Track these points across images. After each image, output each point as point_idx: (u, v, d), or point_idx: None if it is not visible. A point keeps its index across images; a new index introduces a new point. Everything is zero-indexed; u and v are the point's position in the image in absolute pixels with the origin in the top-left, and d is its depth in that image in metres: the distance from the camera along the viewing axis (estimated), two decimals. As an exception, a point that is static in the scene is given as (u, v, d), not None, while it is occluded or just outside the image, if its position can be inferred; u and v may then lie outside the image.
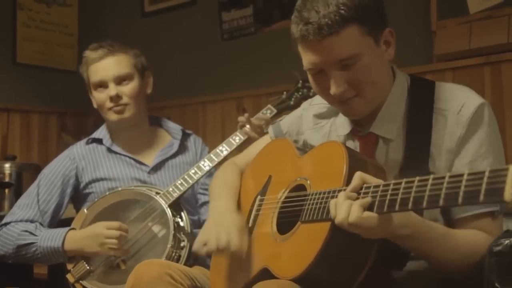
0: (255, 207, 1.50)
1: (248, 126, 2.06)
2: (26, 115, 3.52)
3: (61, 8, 3.81)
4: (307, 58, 1.31)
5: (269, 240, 1.37)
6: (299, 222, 1.29)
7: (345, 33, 1.25)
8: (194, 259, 1.91)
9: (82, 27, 3.89)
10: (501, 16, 2.35)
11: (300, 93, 2.13)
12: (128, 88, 2.05)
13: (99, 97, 2.07)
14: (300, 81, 2.15)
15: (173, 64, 3.52)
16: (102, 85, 2.05)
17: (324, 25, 1.23)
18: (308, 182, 1.34)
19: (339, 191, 1.18)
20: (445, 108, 1.31)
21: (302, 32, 1.26)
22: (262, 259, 1.36)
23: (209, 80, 3.42)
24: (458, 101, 1.31)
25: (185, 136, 2.21)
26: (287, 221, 1.35)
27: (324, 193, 1.23)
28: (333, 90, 1.29)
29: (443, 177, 0.98)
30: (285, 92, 2.16)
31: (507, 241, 1.15)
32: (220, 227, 1.42)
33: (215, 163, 2.01)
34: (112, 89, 2.03)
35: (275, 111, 2.12)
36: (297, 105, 2.13)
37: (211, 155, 2.03)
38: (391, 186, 1.07)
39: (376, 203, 1.09)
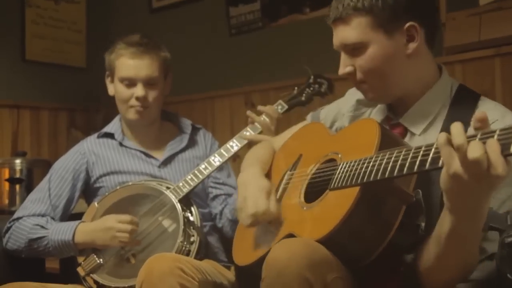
0: (284, 181, 1.52)
1: (264, 116, 2.06)
2: (36, 112, 3.54)
3: (69, 5, 3.82)
4: (333, 39, 1.43)
5: (296, 209, 1.38)
6: (327, 190, 1.30)
7: (354, 22, 1.36)
8: (204, 253, 1.92)
9: (90, 24, 3.90)
10: (511, 7, 2.33)
11: (311, 88, 2.12)
12: (154, 93, 2.05)
13: (123, 92, 2.05)
14: (312, 76, 2.14)
15: (181, 59, 3.51)
16: (130, 82, 2.04)
17: (338, 11, 1.37)
18: (339, 155, 1.36)
19: (371, 157, 1.19)
20: None
21: (329, 12, 1.41)
22: (288, 226, 1.37)
23: (217, 75, 3.42)
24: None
25: (194, 131, 2.22)
26: (315, 190, 1.36)
27: (355, 161, 1.24)
28: (340, 70, 1.42)
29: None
30: (296, 88, 2.16)
31: (519, 232, 1.14)
32: (246, 197, 1.44)
33: (225, 158, 2.02)
34: (140, 90, 2.02)
35: (286, 106, 2.12)
36: (308, 100, 2.13)
37: (222, 150, 2.03)
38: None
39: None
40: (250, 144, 2.01)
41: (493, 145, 0.95)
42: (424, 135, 1.37)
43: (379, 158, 1.18)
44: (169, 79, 2.16)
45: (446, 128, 1.29)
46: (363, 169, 1.20)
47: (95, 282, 1.88)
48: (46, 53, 3.67)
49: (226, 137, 3.02)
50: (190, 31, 3.55)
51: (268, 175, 1.59)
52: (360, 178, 1.19)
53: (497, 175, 0.95)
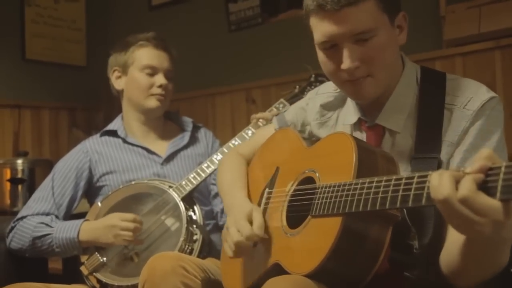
0: (264, 200, 1.49)
1: (261, 120, 2.06)
2: (36, 111, 3.53)
3: (68, 4, 3.82)
4: (322, 30, 1.27)
5: (279, 234, 1.36)
6: (309, 217, 1.27)
7: (364, 5, 1.22)
8: (207, 251, 1.93)
9: (89, 22, 3.89)
10: (511, -1, 2.32)
11: (312, 86, 2.12)
12: (170, 85, 2.15)
13: (144, 80, 2.10)
14: (313, 75, 2.14)
15: (181, 56, 3.50)
16: (153, 71, 2.10)
17: None
18: (317, 174, 1.32)
19: (350, 184, 1.17)
20: (452, 103, 1.28)
21: (319, 1, 1.23)
22: (273, 254, 1.35)
23: (218, 71, 3.42)
24: (466, 96, 1.28)
25: (195, 128, 2.24)
26: (296, 215, 1.34)
27: (335, 186, 1.21)
28: (346, 64, 1.26)
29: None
30: (297, 86, 2.16)
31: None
32: (229, 226, 1.41)
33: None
34: (163, 79, 2.11)
35: (287, 105, 2.11)
36: (310, 99, 2.13)
37: (224, 149, 2.04)
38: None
39: (499, 186, 0.87)
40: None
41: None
42: (405, 131, 1.32)
43: (358, 187, 1.14)
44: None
45: (420, 119, 1.29)
46: (343, 197, 1.16)
47: (98, 281, 1.88)
48: (46, 52, 3.67)
49: (227, 134, 3.03)
50: (190, 28, 3.55)
51: (247, 190, 1.57)
52: (341, 208, 1.16)
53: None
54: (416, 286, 1.21)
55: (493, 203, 0.87)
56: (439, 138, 1.26)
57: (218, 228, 2.13)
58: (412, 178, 1.03)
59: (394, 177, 1.08)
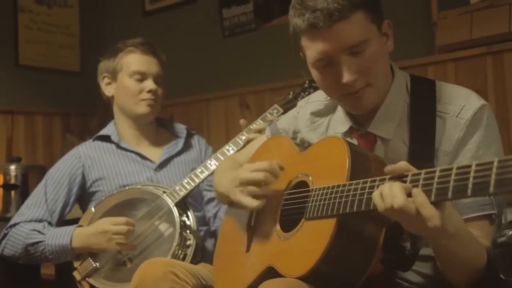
0: None
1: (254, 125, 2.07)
2: (30, 117, 3.53)
3: (62, 9, 3.82)
4: (316, 48, 1.27)
5: (273, 238, 1.37)
6: (303, 219, 1.28)
7: (354, 18, 1.24)
8: (200, 257, 1.93)
9: (83, 28, 3.89)
10: (502, 5, 2.33)
11: (306, 93, 2.13)
12: (160, 90, 2.14)
13: (133, 85, 2.10)
14: (307, 81, 2.15)
15: (175, 62, 3.52)
16: (142, 76, 2.10)
17: (334, 10, 1.22)
18: (310, 178, 1.33)
19: (344, 185, 1.18)
20: (444, 110, 1.30)
21: (310, 20, 1.24)
22: (267, 257, 1.35)
23: (212, 77, 3.42)
24: (458, 104, 1.30)
25: (189, 135, 2.25)
26: (290, 218, 1.35)
27: (328, 188, 1.22)
28: (346, 77, 1.26)
29: (451, 169, 0.98)
30: (291, 92, 2.16)
31: (511, 232, 1.15)
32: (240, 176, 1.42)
33: (221, 162, 2.02)
34: (152, 84, 2.10)
35: (281, 111, 2.12)
36: (303, 105, 2.13)
37: (218, 154, 2.04)
38: (437, 173, 1.02)
39: (434, 190, 1.01)
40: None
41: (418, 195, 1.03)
42: (397, 138, 1.34)
43: (352, 187, 1.16)
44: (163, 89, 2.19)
45: (413, 126, 1.31)
46: (337, 199, 1.18)
47: (91, 286, 1.89)
48: (39, 57, 3.67)
49: (221, 139, 3.03)
50: (184, 34, 3.55)
51: None
52: (335, 209, 1.18)
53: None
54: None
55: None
56: (433, 146, 1.29)
57: (211, 234, 2.13)
58: (406, 176, 1.06)
59: (388, 177, 1.10)
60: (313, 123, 1.54)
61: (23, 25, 3.60)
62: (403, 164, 1.09)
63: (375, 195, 1.08)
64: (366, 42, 1.26)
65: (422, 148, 1.29)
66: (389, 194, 1.04)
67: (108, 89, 2.15)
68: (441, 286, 1.27)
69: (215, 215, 2.12)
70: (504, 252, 1.14)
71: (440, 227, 1.03)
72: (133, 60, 2.11)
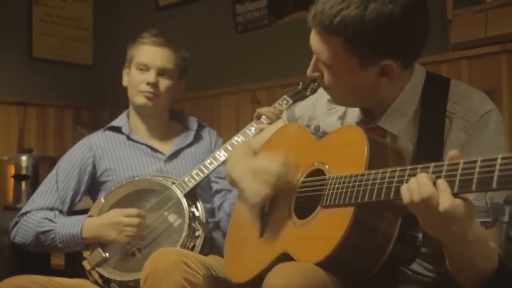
0: None
1: (263, 116, 2.07)
2: (42, 109, 3.56)
3: (76, 3, 3.84)
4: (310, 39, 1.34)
5: (288, 224, 1.37)
6: (319, 207, 1.28)
7: (329, 40, 1.26)
8: (209, 248, 1.92)
9: (97, 22, 3.92)
10: (517, 3, 2.33)
11: (316, 83, 2.12)
12: (165, 82, 2.10)
13: (136, 76, 2.10)
14: (317, 73, 2.14)
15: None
16: (145, 68, 2.09)
17: (322, 18, 1.24)
18: (327, 166, 1.33)
19: (362, 175, 1.18)
20: (452, 111, 1.29)
21: (311, 12, 1.29)
22: (281, 243, 1.35)
23: (223, 72, 3.43)
24: (466, 105, 1.28)
25: (200, 128, 2.24)
26: (305, 205, 1.34)
27: (346, 177, 1.22)
28: (307, 71, 1.36)
29: (475, 161, 0.97)
30: (301, 83, 2.16)
31: (526, 226, 1.14)
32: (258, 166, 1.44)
33: (231, 153, 2.02)
34: (153, 76, 2.07)
35: (291, 101, 2.12)
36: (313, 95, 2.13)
37: (227, 145, 2.04)
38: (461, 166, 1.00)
39: (457, 182, 1.00)
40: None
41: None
42: (405, 135, 1.34)
43: (371, 177, 1.16)
44: (184, 82, 2.19)
45: (422, 126, 1.30)
46: (356, 187, 1.18)
47: (101, 276, 1.88)
48: (53, 50, 3.69)
49: (232, 134, 3.01)
50: (197, 29, 3.56)
51: None
52: (354, 198, 1.18)
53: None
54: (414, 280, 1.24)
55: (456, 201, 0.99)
56: (440, 145, 1.28)
57: (220, 226, 2.13)
58: (428, 167, 1.05)
59: (409, 167, 1.09)
60: (330, 109, 1.54)
61: (38, 18, 3.62)
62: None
63: (403, 188, 1.06)
64: (329, 65, 1.29)
65: (429, 149, 1.28)
66: (416, 186, 1.03)
67: (125, 79, 2.17)
68: (445, 277, 1.27)
69: (219, 206, 2.12)
70: (516, 246, 1.12)
71: (462, 225, 1.02)
72: (141, 51, 2.11)
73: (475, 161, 0.97)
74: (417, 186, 1.03)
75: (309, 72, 1.35)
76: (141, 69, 2.09)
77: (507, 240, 1.15)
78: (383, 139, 1.36)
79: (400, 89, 1.35)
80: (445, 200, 0.99)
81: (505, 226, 1.28)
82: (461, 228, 1.04)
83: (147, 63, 2.08)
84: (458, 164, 1.00)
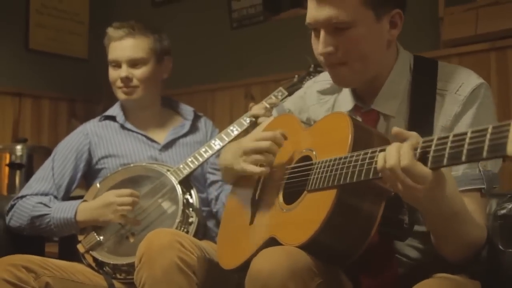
0: (261, 180, 1.52)
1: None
2: (37, 100, 3.57)
3: (72, -4, 3.87)
4: (308, 12, 1.34)
5: (276, 210, 1.39)
6: (305, 192, 1.30)
7: None
8: (202, 234, 1.95)
9: (92, 16, 3.94)
10: (508, 2, 2.37)
11: (311, 77, 2.14)
12: (139, 72, 2.09)
13: (111, 74, 2.13)
14: (312, 65, 2.18)
15: (183, 52, 3.55)
16: (116, 64, 2.10)
17: None
18: (314, 152, 1.36)
19: (345, 158, 1.20)
20: (444, 88, 1.33)
21: None
22: (269, 229, 1.37)
23: (218, 68, 3.45)
24: (457, 82, 1.33)
25: (196, 117, 2.25)
26: (293, 191, 1.37)
27: (330, 160, 1.25)
28: (320, 49, 1.33)
29: (447, 137, 1.00)
30: (296, 76, 2.19)
31: (511, 205, 1.18)
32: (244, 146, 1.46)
33: (226, 142, 2.05)
34: (124, 71, 2.08)
35: (286, 93, 2.14)
36: (308, 88, 2.16)
37: (222, 135, 2.07)
38: (434, 141, 1.03)
39: (430, 157, 1.03)
40: (248, 129, 2.05)
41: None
42: (399, 116, 1.37)
43: (353, 159, 1.18)
44: (166, 62, 2.18)
45: (413, 104, 1.34)
46: (338, 170, 1.20)
47: (94, 259, 1.90)
48: (49, 42, 3.71)
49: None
50: (192, 25, 3.58)
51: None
52: (336, 180, 1.20)
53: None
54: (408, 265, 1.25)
55: (426, 171, 1.03)
56: (431, 122, 1.32)
57: (213, 215, 2.15)
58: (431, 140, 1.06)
59: (389, 146, 1.11)
60: (320, 100, 1.57)
61: (35, 10, 3.64)
62: (414, 133, 1.10)
63: (380, 155, 1.09)
64: (350, 23, 1.28)
65: (421, 125, 1.31)
66: (396, 154, 1.06)
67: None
68: (440, 262, 1.29)
69: (217, 197, 2.14)
70: (504, 224, 1.17)
71: (436, 193, 1.06)
72: (109, 48, 2.13)
73: (447, 137, 1.00)
74: (387, 152, 1.07)
75: (321, 48, 1.32)
76: (113, 66, 2.11)
77: (494, 218, 1.18)
78: (375, 123, 1.39)
79: (390, 67, 1.39)
80: (405, 158, 1.03)
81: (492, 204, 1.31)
82: (431, 194, 1.07)
83: (116, 59, 2.10)
84: (432, 140, 1.03)
